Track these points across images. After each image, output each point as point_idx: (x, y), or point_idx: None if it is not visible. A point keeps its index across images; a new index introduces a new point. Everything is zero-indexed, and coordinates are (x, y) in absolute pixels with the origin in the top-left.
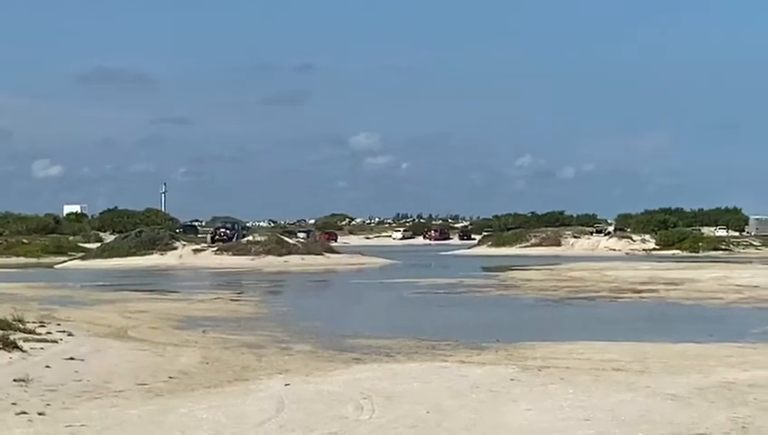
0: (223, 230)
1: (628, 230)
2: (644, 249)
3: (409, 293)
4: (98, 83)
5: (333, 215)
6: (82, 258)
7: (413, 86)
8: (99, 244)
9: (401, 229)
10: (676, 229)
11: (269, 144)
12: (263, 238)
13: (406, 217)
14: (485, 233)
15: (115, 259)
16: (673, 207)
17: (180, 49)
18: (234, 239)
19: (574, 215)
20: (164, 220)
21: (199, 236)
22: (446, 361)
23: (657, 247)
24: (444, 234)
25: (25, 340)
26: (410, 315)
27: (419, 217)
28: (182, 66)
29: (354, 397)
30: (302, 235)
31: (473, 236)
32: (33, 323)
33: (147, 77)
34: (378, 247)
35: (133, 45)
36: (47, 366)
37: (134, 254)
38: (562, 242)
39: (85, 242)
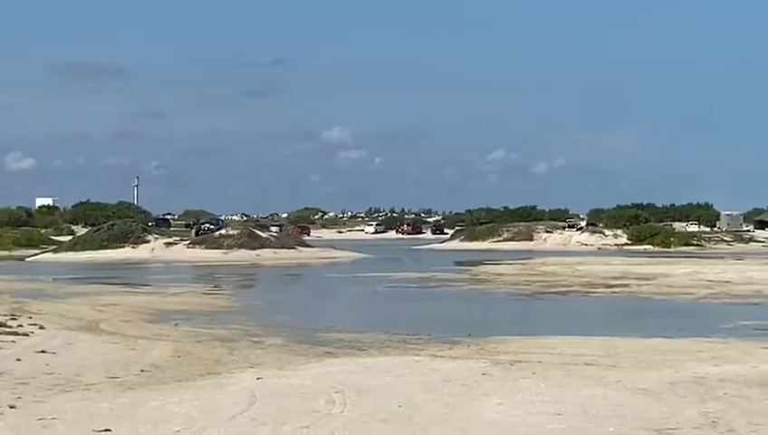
0: (207, 226)
1: (601, 225)
2: (616, 244)
3: (382, 287)
4: (73, 77)
5: (306, 209)
6: (54, 251)
7: (387, 81)
8: (71, 237)
9: (374, 223)
10: (647, 225)
11: (242, 138)
12: (235, 232)
13: (378, 211)
14: (458, 227)
15: (87, 252)
16: (645, 203)
17: (155, 43)
18: None
19: (547, 210)
20: (136, 214)
21: (172, 229)
22: (418, 355)
23: (628, 242)
24: (416, 228)
25: None
26: (383, 309)
27: (392, 211)
28: (157, 60)
29: (326, 391)
30: (274, 229)
31: (445, 231)
32: (5, 316)
33: (122, 71)
34: (350, 241)
35: (109, 39)
36: (18, 359)
37: (106, 247)
38: (535, 237)
39: (57, 235)
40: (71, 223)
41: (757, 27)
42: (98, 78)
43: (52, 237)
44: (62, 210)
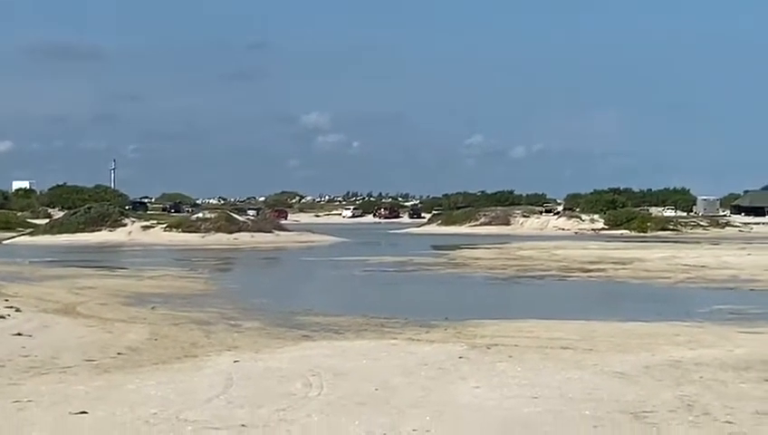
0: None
1: (578, 210)
2: (593, 229)
3: (359, 271)
4: (49, 59)
5: (283, 192)
6: (31, 234)
7: (365, 65)
8: (47, 220)
9: (351, 207)
10: (624, 209)
11: (220, 122)
12: (212, 216)
13: (356, 195)
14: (435, 212)
15: (64, 235)
16: (622, 188)
17: (133, 25)
18: None
19: (524, 194)
20: (113, 197)
21: (149, 213)
22: (395, 338)
23: (605, 227)
24: (394, 212)
25: None
26: (360, 293)
27: (369, 195)
28: (134, 42)
29: (303, 374)
30: (251, 212)
31: (423, 215)
32: None
33: (99, 53)
34: (328, 226)
35: (85, 20)
36: None
37: (83, 230)
38: (512, 221)
39: (34, 218)
40: (47, 206)
41: (735, 11)
42: (74, 60)
43: (29, 221)
44: (38, 193)
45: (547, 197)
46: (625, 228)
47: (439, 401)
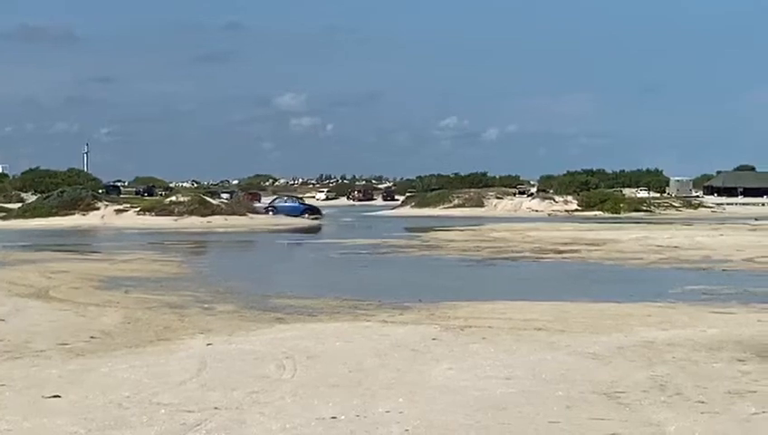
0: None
1: (551, 191)
2: (566, 210)
3: (332, 253)
4: (21, 41)
5: (257, 175)
6: (3, 219)
7: (340, 47)
8: (20, 204)
9: (325, 190)
10: (597, 191)
11: (193, 104)
12: (186, 199)
13: (329, 177)
14: (409, 194)
15: (36, 220)
16: (595, 169)
17: (106, 7)
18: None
19: (497, 176)
20: (86, 181)
21: (122, 196)
22: (368, 320)
23: (579, 208)
24: (367, 194)
25: None
26: (333, 275)
27: (343, 177)
28: (107, 25)
29: (276, 356)
30: (225, 195)
31: (396, 197)
32: None
33: (71, 35)
34: None
35: (58, 3)
36: None
37: (56, 214)
38: (485, 203)
39: (6, 202)
40: (20, 190)
41: None
42: (45, 42)
43: (2, 205)
44: (11, 178)
45: (521, 178)
46: (598, 210)
47: (412, 382)
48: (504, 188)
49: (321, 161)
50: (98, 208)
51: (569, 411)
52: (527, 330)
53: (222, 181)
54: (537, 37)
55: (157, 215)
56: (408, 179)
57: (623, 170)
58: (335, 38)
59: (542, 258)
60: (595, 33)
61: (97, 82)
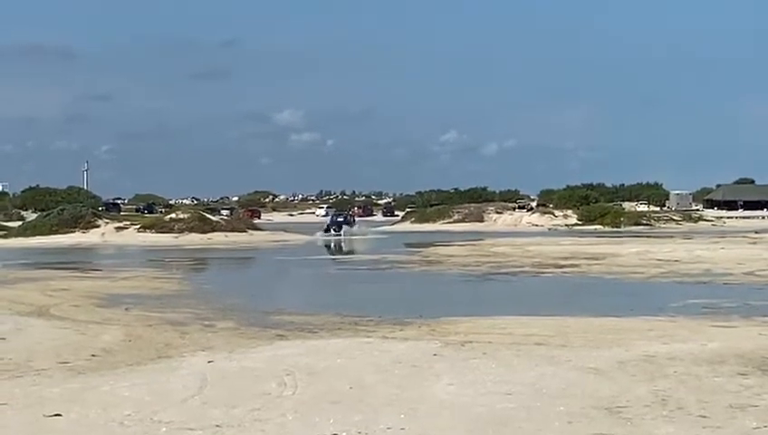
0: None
1: (551, 206)
2: (566, 224)
3: (332, 269)
4: (20, 59)
5: (257, 192)
6: (4, 237)
7: (338, 62)
8: (20, 222)
9: (324, 206)
10: (597, 205)
11: (193, 121)
12: (186, 216)
13: (329, 193)
14: (409, 209)
15: (37, 237)
16: (595, 183)
17: (104, 24)
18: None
19: (497, 191)
20: (86, 198)
21: (122, 214)
22: (369, 336)
23: (578, 223)
24: (367, 210)
25: None
26: (333, 292)
27: (343, 193)
28: (104, 42)
29: (277, 373)
30: (225, 212)
31: (396, 213)
32: None
33: (70, 53)
34: (301, 224)
35: (56, 20)
36: None
37: (56, 232)
38: (485, 218)
39: (6, 220)
40: (20, 208)
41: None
42: (44, 60)
43: (2, 223)
44: (11, 196)
45: (520, 193)
46: (598, 224)
47: (413, 398)
48: (503, 203)
49: (320, 177)
50: (98, 226)
51: (570, 427)
52: (528, 345)
53: (222, 198)
54: (535, 51)
55: (157, 232)
56: (407, 195)
57: (623, 184)
58: (333, 54)
59: (543, 273)
60: (594, 47)
61: (95, 100)
